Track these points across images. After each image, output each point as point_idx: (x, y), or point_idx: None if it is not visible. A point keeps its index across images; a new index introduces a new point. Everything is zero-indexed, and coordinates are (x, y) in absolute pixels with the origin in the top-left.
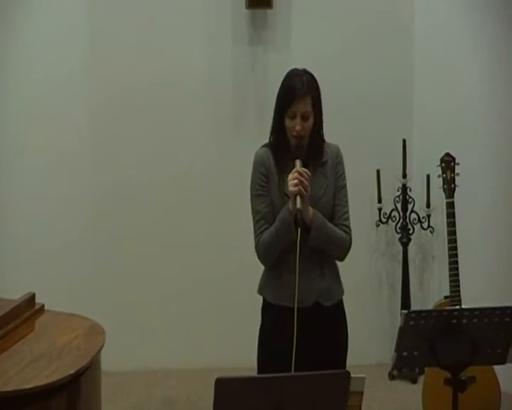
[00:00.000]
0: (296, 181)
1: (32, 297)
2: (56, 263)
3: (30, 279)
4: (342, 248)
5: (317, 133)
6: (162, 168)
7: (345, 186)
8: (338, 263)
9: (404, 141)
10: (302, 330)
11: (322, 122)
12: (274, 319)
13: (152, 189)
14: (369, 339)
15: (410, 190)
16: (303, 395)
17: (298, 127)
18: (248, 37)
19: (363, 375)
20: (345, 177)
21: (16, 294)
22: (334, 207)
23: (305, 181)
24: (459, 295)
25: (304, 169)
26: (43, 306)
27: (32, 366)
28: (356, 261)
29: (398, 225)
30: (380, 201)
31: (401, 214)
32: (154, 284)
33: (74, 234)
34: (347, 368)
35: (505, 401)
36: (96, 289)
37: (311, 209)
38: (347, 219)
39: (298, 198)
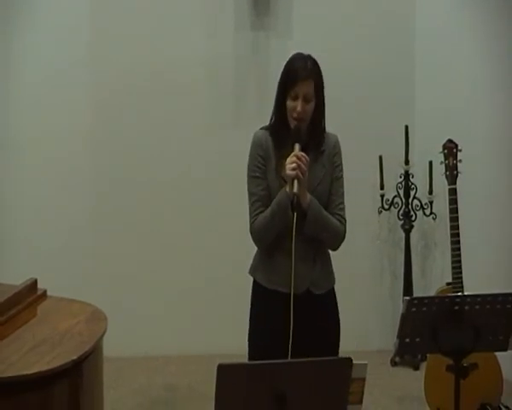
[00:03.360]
0: (294, 165)
1: (35, 283)
2: (58, 250)
3: (31, 268)
4: (336, 237)
5: (318, 121)
6: (164, 159)
7: (341, 177)
8: (340, 251)
9: (407, 127)
10: (293, 316)
11: (324, 110)
12: (267, 304)
13: (153, 180)
14: (372, 326)
15: (413, 177)
16: (305, 382)
17: (299, 108)
18: (250, 23)
19: (365, 361)
20: (342, 168)
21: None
22: (330, 196)
23: (303, 165)
24: (461, 282)
25: (302, 153)
26: (45, 291)
27: (34, 351)
28: (358, 248)
29: (401, 211)
30: (382, 187)
31: (403, 201)
32: (156, 271)
33: (76, 224)
34: (349, 354)
35: (507, 388)
36: (98, 275)
37: (308, 194)
38: (343, 209)
39: (295, 182)
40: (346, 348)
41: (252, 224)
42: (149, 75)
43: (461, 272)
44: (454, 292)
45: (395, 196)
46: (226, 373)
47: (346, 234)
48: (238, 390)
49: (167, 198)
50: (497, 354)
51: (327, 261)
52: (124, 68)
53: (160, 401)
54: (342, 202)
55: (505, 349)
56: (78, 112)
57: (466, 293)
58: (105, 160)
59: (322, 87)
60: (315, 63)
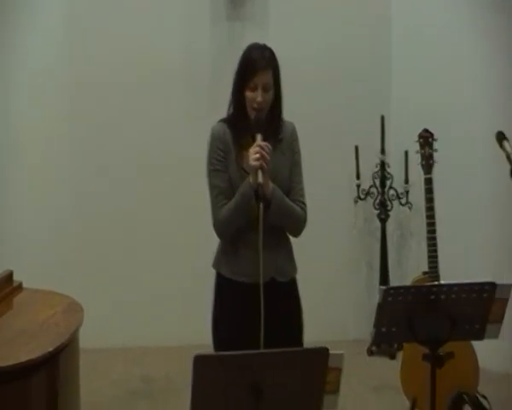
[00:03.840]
0: (258, 155)
1: (10, 275)
2: (36, 242)
3: (9, 261)
4: (299, 224)
5: (276, 109)
6: (141, 148)
7: (300, 163)
8: (316, 240)
9: (383, 117)
10: (259, 305)
11: (281, 98)
12: (232, 296)
13: (132, 171)
14: (348, 315)
15: (389, 167)
16: (281, 371)
17: (259, 98)
18: (226, 13)
19: (342, 351)
20: (300, 154)
21: None
22: (291, 183)
23: (267, 155)
24: (437, 271)
25: (265, 143)
26: (20, 283)
27: (11, 343)
28: (334, 238)
29: (377, 201)
30: (358, 177)
31: (379, 190)
32: (133, 262)
33: (55, 217)
34: (326, 344)
35: (483, 377)
36: (75, 267)
37: (270, 184)
38: (303, 195)
39: (259, 172)
40: (322, 337)
41: (215, 217)
42: (126, 67)
43: (437, 262)
44: (430, 281)
45: (371, 186)
46: (202, 364)
47: (322, 224)
48: (215, 381)
49: (148, 190)
50: (473, 342)
51: (290, 249)
52: (101, 62)
53: (138, 393)
54: (302, 188)
55: (481, 338)
56: (57, 108)
57: (442, 282)
58: (86, 146)
59: (279, 75)
60: (272, 52)
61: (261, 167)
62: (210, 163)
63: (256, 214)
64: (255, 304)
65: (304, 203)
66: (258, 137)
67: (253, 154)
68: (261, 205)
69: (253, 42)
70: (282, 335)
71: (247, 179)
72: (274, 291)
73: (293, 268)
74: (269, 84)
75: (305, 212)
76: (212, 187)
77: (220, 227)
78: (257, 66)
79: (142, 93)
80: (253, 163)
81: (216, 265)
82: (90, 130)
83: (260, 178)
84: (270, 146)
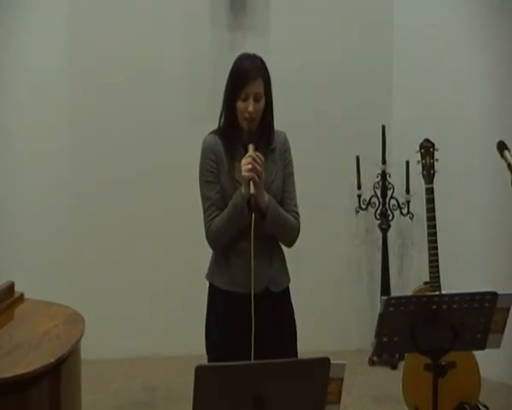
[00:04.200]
0: (250, 166)
1: (12, 286)
2: (36, 253)
3: (7, 270)
4: (293, 234)
5: (268, 119)
6: (140, 156)
7: (293, 173)
8: (317, 250)
9: (384, 127)
10: (253, 316)
11: (272, 108)
12: (224, 306)
13: (131, 177)
14: (349, 325)
15: (390, 177)
16: (283, 382)
17: (251, 108)
18: (227, 22)
19: (344, 361)
20: (292, 163)
21: None
22: (284, 193)
23: (259, 167)
24: (439, 281)
25: (258, 154)
26: (22, 294)
27: (12, 354)
28: (335, 248)
29: (378, 211)
30: (359, 187)
31: (380, 201)
32: (135, 272)
33: (54, 226)
34: (327, 354)
35: (485, 387)
36: (76, 278)
37: (266, 194)
38: (296, 205)
39: (251, 183)
40: (324, 347)
41: (208, 228)
42: (127, 75)
43: (438, 272)
44: (431, 291)
45: (372, 196)
46: (204, 375)
47: (323, 234)
48: (216, 392)
49: (145, 197)
50: (474, 352)
51: (283, 259)
52: (102, 68)
53: (140, 403)
54: (295, 198)
55: (483, 348)
56: (56, 110)
57: (443, 292)
58: (85, 158)
59: (270, 85)
60: (262, 61)
61: (253, 179)
62: (202, 175)
63: (248, 225)
64: (248, 314)
65: (297, 213)
66: (251, 147)
67: (245, 165)
68: (253, 215)
69: (254, 50)
70: (276, 345)
71: (239, 190)
72: (267, 301)
73: (287, 278)
74: (260, 93)
75: (299, 222)
76: (204, 199)
77: (213, 238)
78: (248, 75)
79: (142, 98)
80: (245, 174)
81: (209, 276)
82: (89, 130)
83: (252, 189)
84: (262, 157)
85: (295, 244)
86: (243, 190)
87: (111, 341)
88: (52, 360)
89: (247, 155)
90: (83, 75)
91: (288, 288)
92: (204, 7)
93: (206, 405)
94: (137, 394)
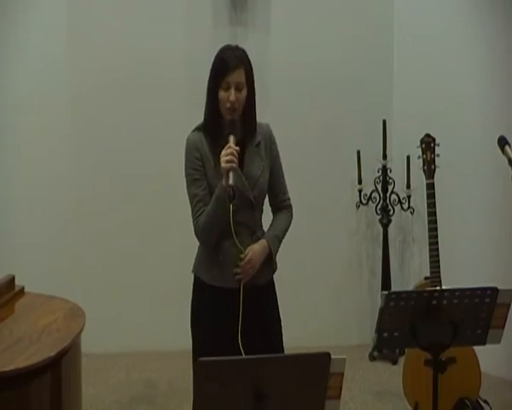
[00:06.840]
0: (229, 157)
1: (12, 279)
2: (37, 247)
3: (7, 270)
4: (289, 225)
5: (250, 109)
6: (141, 156)
7: (280, 163)
8: (318, 245)
9: (384, 122)
10: (238, 309)
11: (255, 99)
12: (212, 301)
13: (131, 177)
14: (350, 320)
15: (391, 172)
16: (283, 377)
17: (232, 97)
18: (228, 18)
19: (344, 356)
20: (278, 153)
21: None
22: (275, 185)
23: (235, 158)
24: (439, 276)
25: (235, 147)
26: (22, 288)
27: (12, 348)
28: (336, 243)
29: (379, 206)
30: (360, 182)
31: (381, 195)
32: (135, 267)
33: (54, 225)
34: (328, 349)
35: (485, 382)
36: (77, 271)
37: (263, 243)
38: (286, 191)
39: (230, 174)
40: (324, 343)
41: (196, 224)
42: (128, 72)
43: (439, 267)
44: (432, 286)
45: (373, 191)
46: (204, 369)
47: (324, 229)
48: (216, 387)
49: (146, 195)
50: (475, 348)
51: None
52: (103, 66)
53: (140, 398)
54: (286, 188)
55: (483, 343)
56: (57, 110)
57: (444, 287)
58: (85, 158)
59: (252, 75)
60: (244, 52)
61: (232, 169)
62: (187, 174)
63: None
64: (234, 308)
65: (289, 198)
66: (231, 138)
67: (224, 156)
68: (231, 206)
69: (255, 45)
70: (262, 337)
71: (220, 182)
72: (253, 294)
73: (271, 270)
74: (241, 83)
75: (291, 207)
76: (191, 196)
77: (201, 233)
78: (229, 65)
79: (143, 96)
80: (223, 165)
81: (195, 270)
82: (90, 130)
83: (231, 180)
84: (238, 150)
85: (296, 240)
86: (223, 181)
87: (111, 335)
88: (52, 354)
89: (227, 146)
90: (83, 75)
91: (272, 279)
92: (205, 2)
93: (207, 400)
94: (138, 388)
